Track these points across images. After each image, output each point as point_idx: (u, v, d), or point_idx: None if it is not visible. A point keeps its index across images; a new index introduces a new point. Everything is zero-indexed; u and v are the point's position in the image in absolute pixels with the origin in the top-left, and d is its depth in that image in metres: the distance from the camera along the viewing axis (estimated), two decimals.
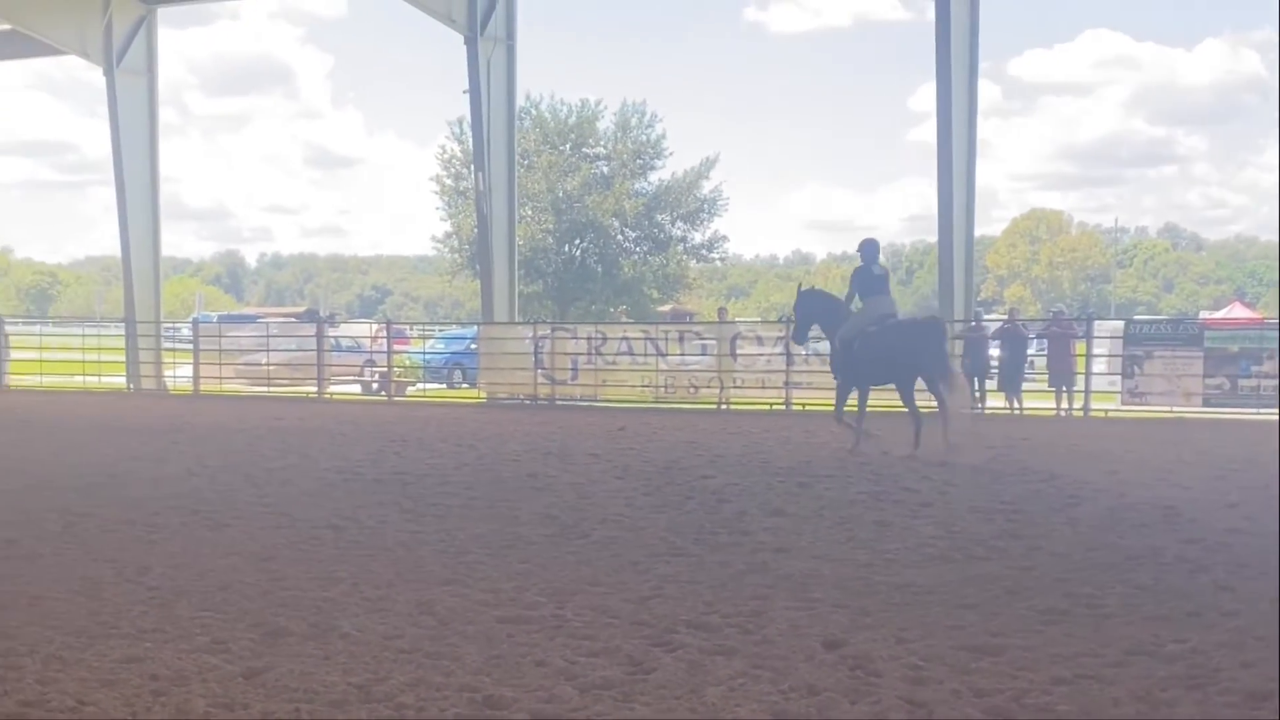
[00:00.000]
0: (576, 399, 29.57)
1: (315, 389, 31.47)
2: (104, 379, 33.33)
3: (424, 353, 38.78)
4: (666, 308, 58.96)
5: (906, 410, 17.80)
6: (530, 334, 30.77)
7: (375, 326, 38.75)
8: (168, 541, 10.86)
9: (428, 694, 6.51)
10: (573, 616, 8.10)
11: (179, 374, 34.15)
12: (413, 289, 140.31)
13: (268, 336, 35.37)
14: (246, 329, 39.66)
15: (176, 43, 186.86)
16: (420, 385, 35.90)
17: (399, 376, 34.17)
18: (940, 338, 17.72)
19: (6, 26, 32.42)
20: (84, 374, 33.64)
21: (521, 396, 29.95)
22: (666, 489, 14.32)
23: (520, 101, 41.34)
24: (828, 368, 19.41)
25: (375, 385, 34.51)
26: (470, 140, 37.23)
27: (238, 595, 8.75)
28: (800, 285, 19.77)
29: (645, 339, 29.60)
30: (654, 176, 59.43)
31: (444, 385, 37.53)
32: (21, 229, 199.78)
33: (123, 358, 33.95)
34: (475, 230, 37.95)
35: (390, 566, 9.77)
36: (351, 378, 35.61)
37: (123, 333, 34.99)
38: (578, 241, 58.26)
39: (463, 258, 57.89)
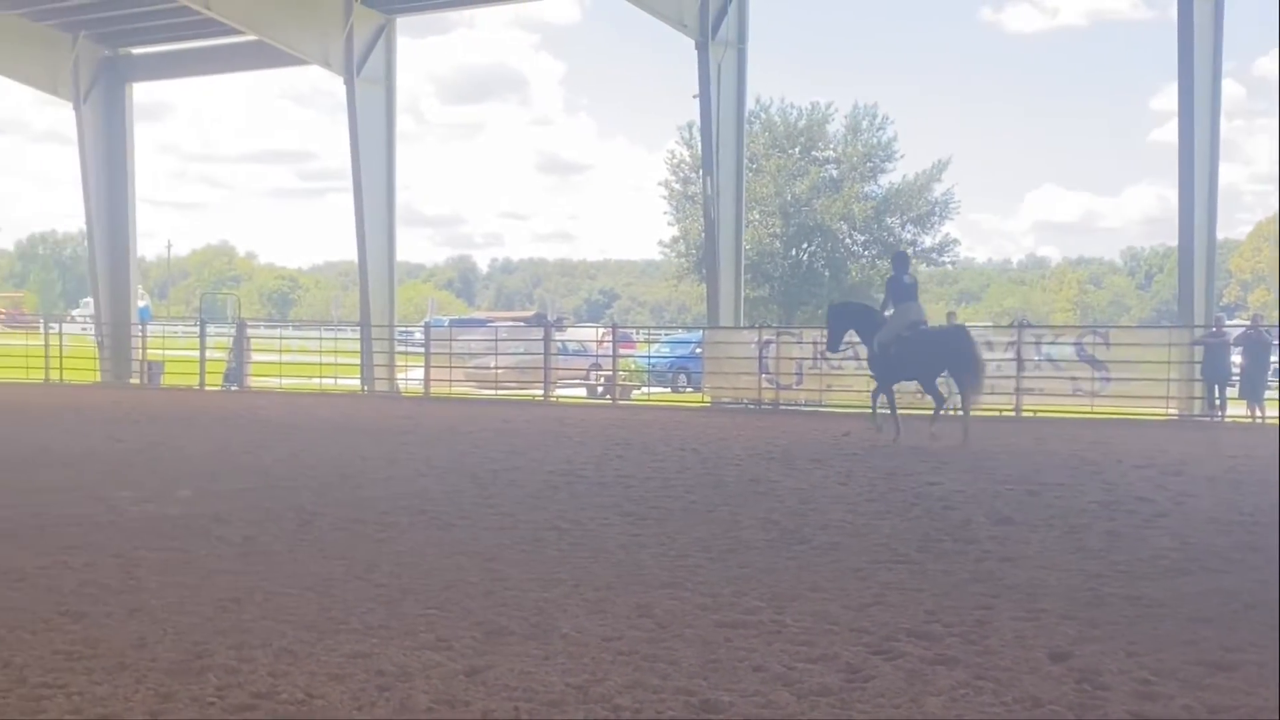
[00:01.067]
0: (801, 404, 29.43)
1: (541, 392, 31.89)
2: (339, 381, 34.26)
3: (649, 356, 39.01)
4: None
5: (933, 402, 20.88)
6: (755, 338, 30.71)
7: (601, 330, 39.13)
8: (396, 540, 11.10)
9: (644, 696, 6.51)
10: (792, 622, 8.04)
11: (410, 376, 34.92)
12: (639, 293, 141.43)
13: (496, 340, 36.01)
14: (476, 333, 40.44)
15: (414, 52, 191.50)
16: (645, 389, 36.11)
17: (624, 380, 34.43)
18: (967, 342, 20.34)
19: (254, 38, 33.48)
20: (320, 376, 34.61)
21: (745, 401, 29.91)
22: (890, 495, 14.15)
23: (750, 105, 41.32)
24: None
25: (600, 388, 34.85)
26: (699, 145, 37.38)
27: (461, 594, 8.89)
28: (831, 302, 23.39)
29: None
30: (884, 179, 58.87)
31: (668, 389, 37.70)
32: (266, 234, 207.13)
33: (357, 360, 34.84)
34: (702, 234, 38.10)
35: (611, 569, 9.82)
36: (577, 381, 36.02)
37: (358, 336, 35.93)
38: (805, 245, 57.98)
39: (689, 262, 58.12)
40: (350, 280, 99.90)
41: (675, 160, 59.48)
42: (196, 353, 35.80)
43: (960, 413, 20.38)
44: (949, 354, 19.93)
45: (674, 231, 60.35)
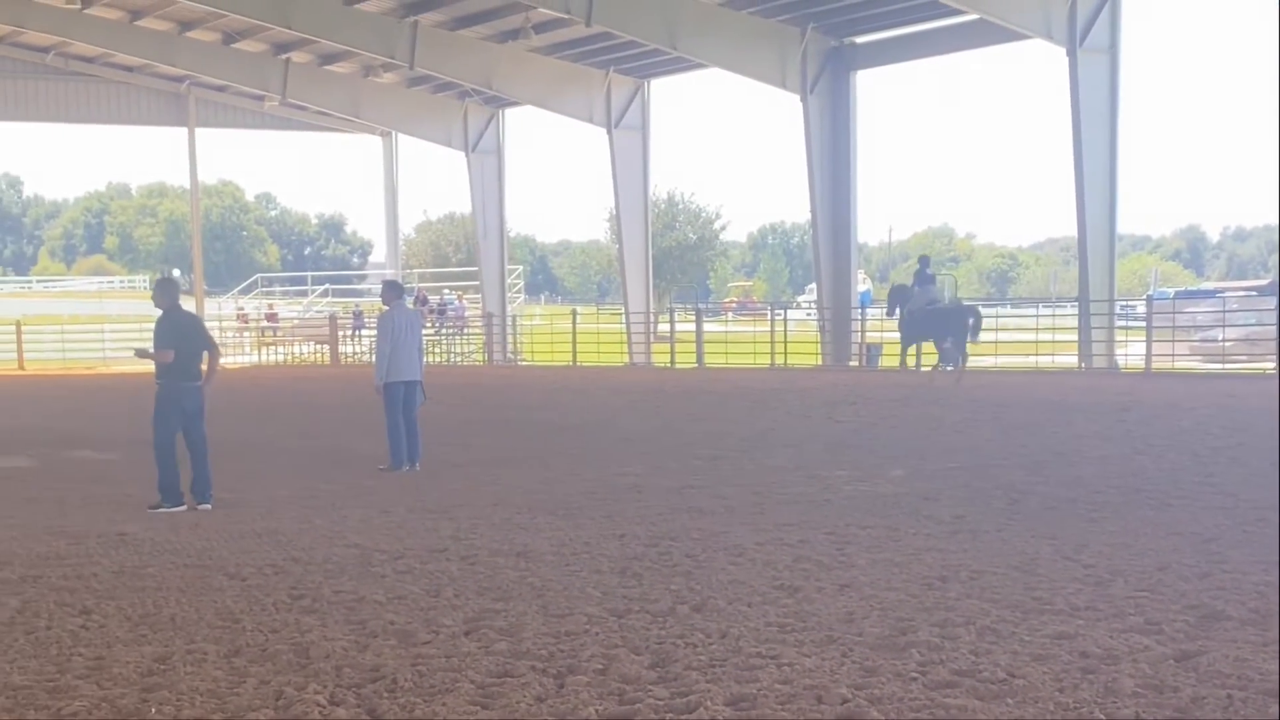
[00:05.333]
0: None
1: (1275, 365, 29.94)
2: (1056, 358, 33.73)
3: None
4: None
5: (952, 354, 27.98)
6: None
7: None
8: (1108, 520, 10.82)
9: None
10: None
11: (1130, 352, 33.85)
12: None
13: (1224, 311, 34.24)
14: (1203, 304, 38.57)
15: (1139, 17, 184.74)
16: None
17: None
18: (967, 316, 27.93)
19: (975, 16, 33.40)
20: (1037, 353, 34.25)
21: None
22: None
23: None
24: None
25: None
26: None
27: (1175, 576, 8.54)
28: (893, 283, 33.11)
29: None
30: None
31: None
32: (986, 214, 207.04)
33: (1074, 337, 34.13)
34: None
35: None
36: None
37: (1076, 312, 35.18)
38: None
39: None
40: (1071, 255, 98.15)
41: None
42: None
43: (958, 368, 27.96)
44: (951, 323, 27.66)
45: None
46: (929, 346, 29.32)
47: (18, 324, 48.72)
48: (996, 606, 7.86)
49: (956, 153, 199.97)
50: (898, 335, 30.14)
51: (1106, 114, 32.87)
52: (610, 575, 9.09)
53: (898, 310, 29.05)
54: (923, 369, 28.82)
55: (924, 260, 30.56)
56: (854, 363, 36.52)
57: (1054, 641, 7.04)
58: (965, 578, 8.71)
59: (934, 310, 28.23)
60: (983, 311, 30.29)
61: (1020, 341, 36.90)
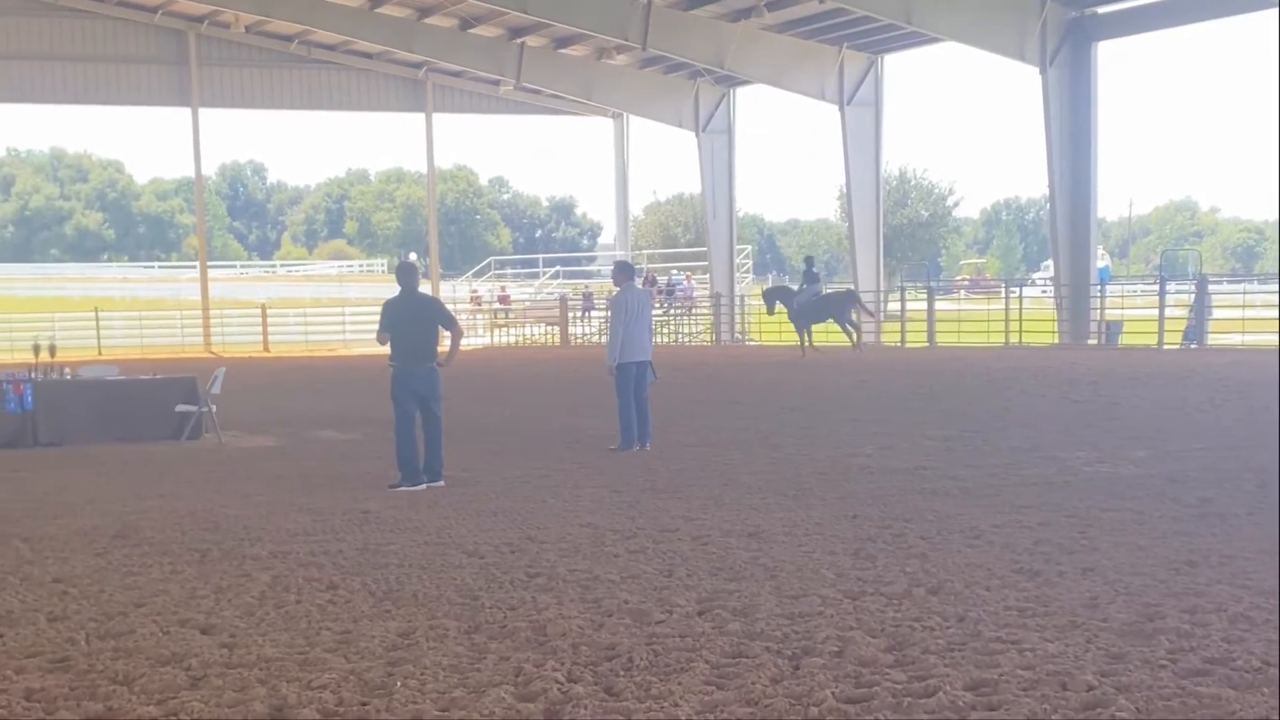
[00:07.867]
0: None
1: None
2: None
3: None
4: None
5: (842, 332, 34.60)
6: None
7: None
8: None
9: None
10: None
11: None
12: None
13: None
14: None
15: None
16: None
17: None
18: (851, 300, 34.69)
19: None
20: None
21: None
22: None
23: None
24: None
25: None
26: None
27: None
28: (764, 289, 39.40)
29: None
30: None
31: None
32: (1231, 186, 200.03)
33: None
34: None
35: None
36: None
37: None
38: None
39: None
40: None
41: None
42: (1155, 311, 35.31)
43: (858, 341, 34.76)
44: (838, 306, 34.02)
45: None
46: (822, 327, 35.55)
47: (263, 308, 50.62)
48: (1249, 593, 7.57)
49: (1201, 124, 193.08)
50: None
51: None
52: (844, 556, 9.01)
53: (777, 304, 35.09)
54: (811, 346, 34.35)
55: (809, 260, 37.52)
56: (1092, 341, 35.54)
57: None
58: (1215, 562, 8.42)
59: (820, 299, 34.47)
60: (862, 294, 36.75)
61: (1267, 319, 35.49)
